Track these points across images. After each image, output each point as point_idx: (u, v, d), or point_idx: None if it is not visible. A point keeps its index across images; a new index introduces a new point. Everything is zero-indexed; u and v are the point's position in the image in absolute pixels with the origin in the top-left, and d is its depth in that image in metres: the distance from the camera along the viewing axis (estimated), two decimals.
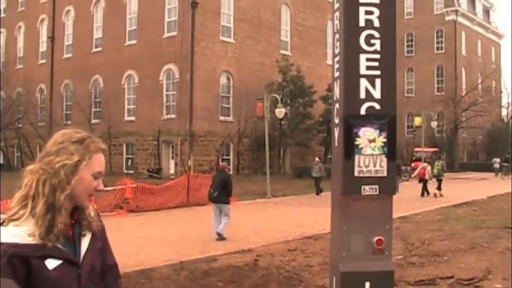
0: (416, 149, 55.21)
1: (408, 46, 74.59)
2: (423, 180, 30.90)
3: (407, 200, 25.08)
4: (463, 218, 19.48)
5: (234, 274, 10.53)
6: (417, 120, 55.82)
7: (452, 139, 67.46)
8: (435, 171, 30.42)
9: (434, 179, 30.36)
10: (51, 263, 2.30)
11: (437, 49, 72.86)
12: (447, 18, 72.08)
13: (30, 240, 2.28)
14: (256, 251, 13.33)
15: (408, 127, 69.98)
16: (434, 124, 57.10)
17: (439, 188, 30.07)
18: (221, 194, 16.35)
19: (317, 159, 32.53)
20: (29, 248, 2.27)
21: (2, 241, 2.26)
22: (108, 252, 2.63)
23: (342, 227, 4.00)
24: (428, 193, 30.12)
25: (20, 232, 2.29)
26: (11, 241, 2.26)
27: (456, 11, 71.71)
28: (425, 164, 32.91)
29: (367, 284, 3.91)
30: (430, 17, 72.82)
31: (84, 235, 2.48)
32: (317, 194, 29.46)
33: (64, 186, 2.37)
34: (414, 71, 73.98)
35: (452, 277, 9.92)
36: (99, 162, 2.47)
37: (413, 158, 53.87)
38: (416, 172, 34.74)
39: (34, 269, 2.27)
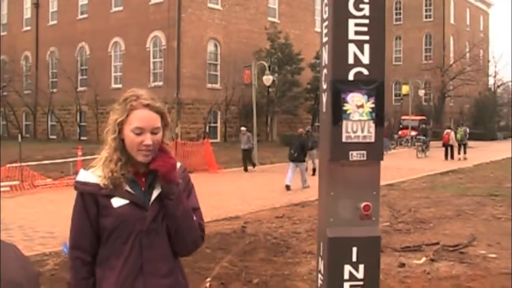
0: (403, 117, 55.33)
1: (396, 14, 74.28)
2: (447, 145, 33.42)
3: (395, 167, 25.21)
4: (449, 186, 19.65)
5: (222, 240, 10.60)
6: (405, 89, 55.86)
7: (439, 107, 67.66)
8: (459, 136, 32.83)
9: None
10: (117, 202, 2.66)
11: (426, 17, 72.60)
12: None
13: (98, 181, 2.67)
14: (243, 218, 13.44)
15: (395, 95, 70.02)
16: (421, 92, 57.14)
17: (465, 152, 32.97)
18: (299, 155, 19.64)
19: (243, 128, 28.40)
20: (97, 187, 2.66)
21: (76, 179, 2.75)
22: (190, 197, 2.83)
23: (330, 193, 4.00)
24: (452, 157, 32.75)
25: (92, 175, 2.71)
26: (82, 180, 2.71)
27: None
28: (449, 130, 34.77)
29: (354, 249, 3.92)
30: None
31: (155, 184, 2.72)
32: (246, 170, 26.10)
33: (113, 141, 2.68)
34: (402, 39, 73.77)
35: (437, 243, 10.03)
36: (136, 118, 2.64)
37: (400, 126, 54.03)
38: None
39: (101, 205, 2.66)
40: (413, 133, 48.29)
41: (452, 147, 33.25)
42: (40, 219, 13.18)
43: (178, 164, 2.83)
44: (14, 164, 20.52)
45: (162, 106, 2.75)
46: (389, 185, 19.33)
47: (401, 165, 28.00)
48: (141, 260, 2.67)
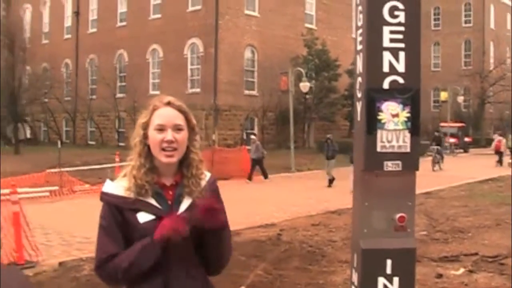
0: (442, 124, 54.58)
1: (435, 19, 73.40)
2: (499, 152, 33.45)
3: (432, 174, 24.88)
4: (488, 194, 19.28)
5: (257, 248, 10.55)
6: (443, 95, 55.15)
7: (478, 114, 66.62)
8: (509, 143, 32.46)
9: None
10: (142, 217, 2.60)
11: (465, 22, 71.57)
12: None
13: (124, 194, 2.62)
14: (279, 226, 13.35)
15: (434, 102, 69.17)
16: (460, 99, 56.33)
17: None
18: None
19: (253, 137, 27.44)
20: (122, 200, 2.61)
21: (102, 190, 2.70)
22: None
23: (364, 204, 3.93)
24: (501, 164, 32.49)
25: (119, 186, 2.66)
26: (107, 191, 2.66)
27: None
28: (500, 138, 34.60)
29: (389, 262, 3.84)
30: None
31: (182, 198, 2.67)
32: (249, 179, 24.73)
33: (137, 145, 2.67)
34: (441, 45, 72.86)
35: (476, 254, 9.82)
36: (157, 115, 2.65)
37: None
38: (493, 145, 35.96)
39: (126, 219, 2.61)
40: (452, 140, 47.67)
41: (502, 154, 33.22)
42: (77, 224, 13.29)
43: (208, 175, 2.80)
44: (53, 170, 20.81)
45: (185, 106, 2.74)
46: (427, 193, 19.05)
47: (438, 173, 27.63)
48: (168, 279, 2.63)
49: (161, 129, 2.62)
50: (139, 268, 2.56)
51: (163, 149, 2.61)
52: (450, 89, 53.29)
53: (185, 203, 2.67)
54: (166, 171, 2.69)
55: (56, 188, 19.59)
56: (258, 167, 25.01)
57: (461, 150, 49.43)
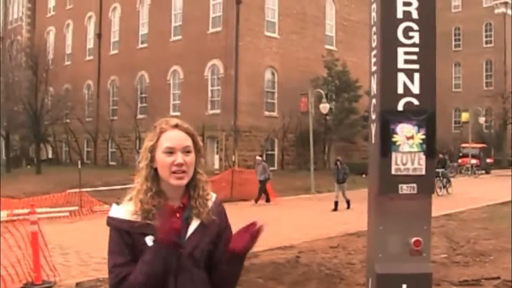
0: (463, 145, 54.18)
1: (455, 40, 73.15)
2: None
3: (453, 196, 24.63)
4: (509, 217, 19.00)
5: (275, 270, 10.47)
6: (465, 116, 54.85)
7: (500, 135, 66.00)
8: None
9: None
10: (151, 241, 2.57)
11: (486, 43, 71.23)
12: (496, 11, 70.39)
13: (131, 218, 2.60)
14: (298, 248, 13.27)
15: (455, 123, 68.72)
16: (482, 119, 55.94)
17: None
18: None
19: (258, 158, 26.82)
20: (128, 224, 2.60)
21: (108, 214, 2.68)
22: (227, 240, 2.74)
23: (379, 227, 3.87)
24: None
25: (125, 210, 2.64)
26: (113, 216, 2.65)
27: (506, 3, 69.92)
28: None
29: (404, 287, 3.77)
30: (479, 10, 71.13)
31: (190, 220, 2.66)
32: (256, 201, 24.14)
33: (144, 169, 2.65)
34: (461, 66, 72.53)
35: (498, 278, 9.64)
36: (166, 138, 2.63)
37: (460, 154, 52.90)
38: None
39: (136, 244, 2.59)
40: (474, 161, 47.24)
41: None
42: (96, 244, 13.26)
43: (214, 196, 2.79)
44: (74, 190, 20.92)
45: (192, 129, 2.73)
46: (447, 215, 18.84)
47: (459, 194, 27.34)
48: None
49: (170, 152, 2.61)
50: (155, 277, 2.54)
51: (173, 172, 2.60)
52: (471, 110, 52.96)
53: (194, 224, 2.67)
54: (173, 194, 2.67)
55: (76, 208, 19.70)
56: (263, 188, 24.37)
57: (483, 171, 49.00)
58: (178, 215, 2.65)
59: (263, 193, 24.36)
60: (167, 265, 2.57)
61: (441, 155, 30.90)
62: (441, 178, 29.16)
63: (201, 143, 2.75)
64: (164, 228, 2.53)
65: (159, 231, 2.53)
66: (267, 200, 24.12)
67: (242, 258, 2.70)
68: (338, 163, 22.46)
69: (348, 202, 21.53)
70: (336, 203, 21.30)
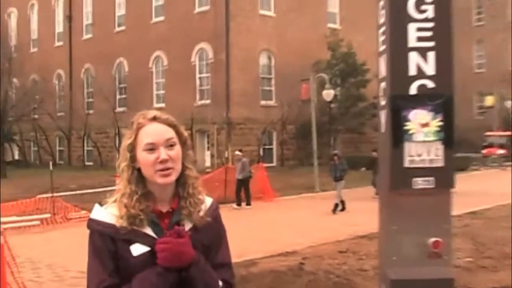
0: (488, 133, 54.02)
1: (477, 13, 73.05)
2: None
3: (478, 192, 24.67)
4: None
5: (276, 280, 10.51)
6: (489, 100, 54.85)
7: None
8: None
9: None
10: (137, 249, 2.57)
11: None
12: None
13: (116, 223, 2.58)
14: (301, 254, 13.32)
15: (478, 108, 68.72)
16: (509, 104, 55.90)
17: None
18: None
19: (238, 153, 25.63)
20: (113, 229, 2.58)
21: (90, 216, 2.67)
22: (219, 249, 2.75)
23: (392, 227, 3.89)
24: None
25: (109, 213, 2.63)
26: (96, 218, 2.64)
27: None
28: None
29: None
30: None
31: (181, 225, 2.63)
32: (239, 204, 23.29)
33: (125, 171, 2.64)
34: (485, 43, 72.40)
35: None
36: (145, 134, 2.63)
37: (484, 144, 52.65)
38: None
39: (120, 251, 2.57)
40: (501, 151, 47.21)
41: None
42: (72, 257, 13.27)
43: (210, 200, 2.79)
44: (45, 195, 20.87)
45: (173, 119, 2.71)
46: (471, 213, 18.88)
47: (485, 190, 27.39)
48: None
49: (151, 148, 2.59)
50: None
51: (158, 170, 2.59)
52: (496, 93, 52.92)
53: (186, 228, 2.64)
54: (162, 195, 2.66)
55: (48, 215, 19.64)
56: (244, 189, 23.75)
57: (511, 163, 49.05)
58: (166, 221, 2.64)
59: (243, 195, 23.80)
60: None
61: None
62: None
63: (186, 134, 2.74)
64: (171, 251, 2.51)
65: (165, 254, 2.51)
66: (248, 204, 23.56)
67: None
68: (336, 158, 22.20)
69: (342, 202, 21.27)
70: (339, 203, 21.16)
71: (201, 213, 2.69)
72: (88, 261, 2.63)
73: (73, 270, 11.97)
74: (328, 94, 32.79)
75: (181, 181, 2.68)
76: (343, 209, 20.96)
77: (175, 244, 2.51)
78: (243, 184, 23.69)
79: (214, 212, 2.78)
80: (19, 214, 19.05)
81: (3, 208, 17.64)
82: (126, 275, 2.57)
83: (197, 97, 45.07)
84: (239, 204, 23.28)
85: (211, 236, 2.72)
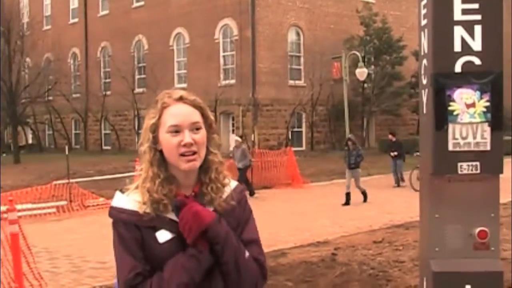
0: None
1: None
2: None
3: None
4: None
5: (307, 271, 10.49)
6: None
7: None
8: None
9: None
10: (162, 236, 2.61)
11: None
12: None
13: (139, 209, 2.62)
14: (333, 243, 13.28)
15: None
16: None
17: None
18: None
19: (237, 138, 24.92)
20: (137, 217, 2.61)
21: (112, 204, 2.69)
22: (245, 227, 2.78)
23: (434, 216, 3.85)
24: None
25: (132, 200, 2.66)
26: (118, 206, 2.67)
27: None
28: None
29: None
30: None
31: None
32: (251, 194, 22.21)
33: (148, 152, 2.66)
34: None
35: None
36: (170, 114, 2.63)
37: None
38: None
39: (145, 238, 2.61)
40: None
41: None
42: (90, 246, 13.40)
43: (234, 184, 2.80)
44: (61, 181, 21.03)
45: (200, 100, 2.72)
46: None
47: None
48: None
49: (176, 130, 2.61)
50: (189, 286, 2.56)
51: (182, 155, 2.60)
52: None
53: None
54: (185, 180, 2.68)
55: (64, 203, 19.81)
56: (243, 178, 22.71)
57: None
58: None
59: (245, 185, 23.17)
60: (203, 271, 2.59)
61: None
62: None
63: (212, 117, 2.75)
64: (189, 212, 2.57)
65: (185, 232, 2.56)
66: (251, 194, 23.18)
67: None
68: (350, 143, 20.97)
69: (364, 193, 20.36)
70: (347, 195, 20.03)
71: (224, 197, 2.71)
72: (115, 251, 2.65)
73: (92, 260, 12.06)
74: (362, 73, 32.58)
75: (205, 166, 2.69)
76: (365, 200, 20.20)
77: (190, 206, 2.58)
78: (244, 172, 23.16)
79: (238, 195, 2.80)
80: (34, 201, 19.21)
81: (17, 195, 17.82)
82: (153, 263, 2.60)
83: (221, 76, 45.08)
84: (251, 194, 22.38)
85: (235, 220, 2.73)
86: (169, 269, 2.55)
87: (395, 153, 24.80)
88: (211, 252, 2.59)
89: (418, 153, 23.76)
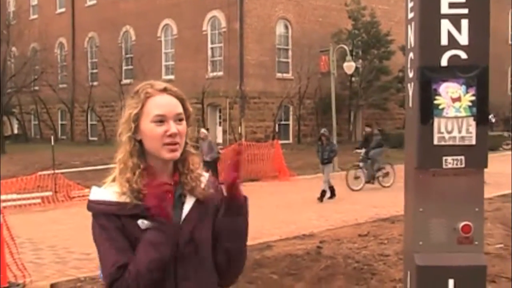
0: None
1: None
2: None
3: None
4: None
5: (292, 264, 10.50)
6: None
7: None
8: None
9: None
10: (144, 223, 2.61)
11: None
12: None
13: (120, 199, 2.63)
14: (319, 237, 13.33)
15: None
16: None
17: None
18: None
19: (203, 131, 23.38)
20: (117, 206, 2.62)
21: (89, 198, 2.71)
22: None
23: (418, 210, 3.85)
24: None
25: (107, 191, 2.68)
26: (95, 199, 2.68)
27: None
28: None
29: (451, 282, 3.76)
30: None
31: (184, 198, 2.73)
32: None
33: (128, 142, 2.69)
34: None
35: None
36: (155, 105, 2.67)
37: None
38: None
39: (127, 227, 2.62)
40: None
41: None
42: (75, 237, 13.35)
43: (206, 175, 2.88)
44: (46, 172, 20.98)
45: (181, 92, 2.76)
46: (504, 195, 18.78)
47: None
48: None
49: (161, 120, 2.64)
50: (162, 262, 2.59)
51: (166, 144, 2.64)
52: None
53: (189, 203, 2.74)
54: (163, 170, 2.72)
55: (49, 193, 19.77)
56: (211, 172, 22.14)
57: None
58: (170, 195, 2.68)
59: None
60: (173, 246, 2.62)
61: (368, 128, 25.56)
62: (368, 163, 23.01)
63: (191, 109, 2.80)
64: (155, 197, 2.60)
65: (151, 203, 2.59)
66: None
67: (242, 207, 2.78)
68: (324, 138, 20.41)
69: (332, 189, 19.80)
70: (328, 190, 19.65)
71: (202, 186, 2.77)
72: (97, 244, 2.68)
73: (77, 251, 12.06)
74: (349, 66, 32.59)
75: (182, 157, 2.74)
76: (332, 196, 19.71)
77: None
78: (211, 167, 21.65)
79: (213, 185, 2.86)
80: (19, 192, 19.18)
81: (2, 185, 17.74)
82: (135, 245, 2.62)
83: (209, 68, 45.02)
84: None
85: (214, 207, 2.79)
86: (139, 249, 2.58)
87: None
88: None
89: (358, 150, 23.41)
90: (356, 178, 22.19)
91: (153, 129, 2.63)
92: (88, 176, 22.73)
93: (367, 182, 22.38)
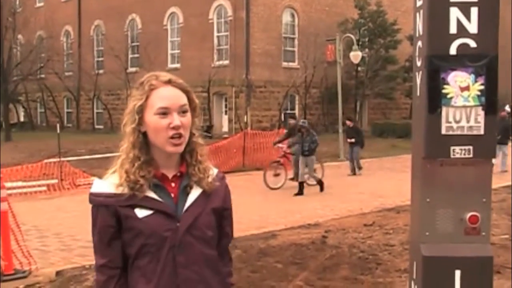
0: None
1: None
2: None
3: None
4: None
5: (297, 253, 10.49)
6: None
7: None
8: None
9: None
10: (141, 213, 2.67)
11: None
12: None
13: (116, 191, 2.67)
14: (324, 226, 13.29)
15: None
16: None
17: None
18: (503, 137, 22.37)
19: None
20: (113, 198, 2.67)
21: (90, 191, 2.75)
22: (226, 219, 2.92)
23: (425, 200, 3.82)
24: None
25: (109, 184, 2.71)
26: (95, 191, 2.72)
27: None
28: None
29: (457, 273, 3.73)
30: None
31: (190, 189, 2.75)
32: None
33: (131, 134, 2.71)
34: None
35: None
36: (159, 97, 2.67)
37: None
38: None
39: (123, 218, 2.67)
40: None
41: None
42: (81, 225, 13.29)
43: (215, 171, 2.88)
44: (52, 160, 20.98)
45: (186, 84, 2.76)
46: (508, 186, 18.73)
47: None
48: (177, 282, 2.70)
49: (164, 112, 2.65)
50: None
51: (170, 137, 2.64)
52: None
53: (194, 193, 2.75)
54: (166, 163, 2.75)
55: (55, 181, 19.78)
56: None
57: None
58: (173, 184, 2.73)
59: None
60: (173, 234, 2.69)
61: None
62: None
63: (196, 100, 2.79)
64: None
65: None
66: None
67: None
68: (303, 130, 19.50)
69: (319, 182, 19.29)
70: (301, 185, 18.87)
71: (210, 179, 2.79)
72: (92, 237, 2.78)
73: (82, 239, 12.02)
74: (356, 56, 32.54)
75: (189, 148, 2.76)
76: (321, 189, 19.04)
77: None
78: None
79: (221, 180, 2.89)
80: (25, 180, 19.20)
81: (7, 173, 17.78)
82: (133, 234, 2.69)
83: (215, 57, 44.97)
84: None
85: (220, 201, 2.84)
86: None
87: (352, 140, 23.80)
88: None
89: (279, 145, 21.97)
90: (276, 175, 20.38)
91: (157, 121, 2.64)
92: (93, 164, 22.72)
93: (291, 179, 20.37)
